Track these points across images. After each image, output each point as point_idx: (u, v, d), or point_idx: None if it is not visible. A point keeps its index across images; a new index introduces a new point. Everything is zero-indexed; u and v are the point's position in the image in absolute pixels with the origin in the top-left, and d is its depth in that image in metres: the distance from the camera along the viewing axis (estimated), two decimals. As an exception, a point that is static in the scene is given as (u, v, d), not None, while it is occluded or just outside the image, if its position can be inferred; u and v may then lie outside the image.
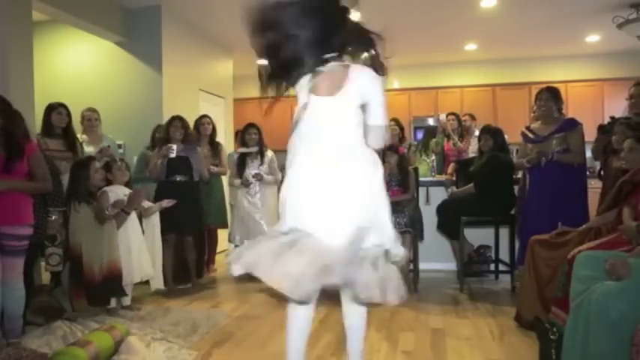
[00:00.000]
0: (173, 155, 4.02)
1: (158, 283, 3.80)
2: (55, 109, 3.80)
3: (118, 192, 3.54)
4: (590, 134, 3.60)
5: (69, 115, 3.85)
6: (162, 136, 4.20)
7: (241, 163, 4.47)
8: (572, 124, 3.48)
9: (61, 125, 3.81)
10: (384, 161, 4.17)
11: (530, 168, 3.61)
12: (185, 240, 4.14)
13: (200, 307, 3.64)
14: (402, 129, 5.28)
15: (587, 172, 3.82)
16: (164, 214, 3.85)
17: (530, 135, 3.62)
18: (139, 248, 3.56)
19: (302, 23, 1.71)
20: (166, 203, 3.77)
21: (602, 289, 1.93)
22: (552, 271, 2.66)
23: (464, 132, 5.33)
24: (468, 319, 3.28)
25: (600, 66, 7.15)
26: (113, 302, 3.44)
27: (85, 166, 3.45)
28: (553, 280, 2.61)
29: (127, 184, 3.68)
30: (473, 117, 5.49)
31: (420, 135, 7.01)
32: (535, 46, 6.79)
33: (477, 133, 5.01)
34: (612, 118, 3.41)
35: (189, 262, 4.19)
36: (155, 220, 3.83)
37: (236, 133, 5.48)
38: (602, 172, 3.39)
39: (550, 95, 3.53)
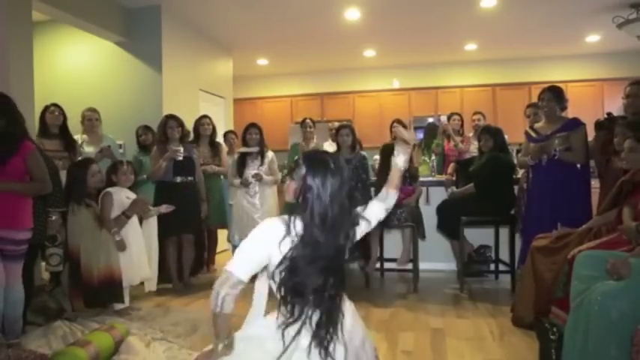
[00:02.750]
0: (181, 158, 4.02)
1: (152, 285, 3.79)
2: (47, 109, 3.86)
3: (121, 194, 3.52)
4: (590, 134, 3.60)
5: (63, 114, 3.86)
6: (159, 138, 4.19)
7: (241, 162, 4.47)
8: (575, 124, 3.48)
9: (56, 124, 3.83)
10: (384, 159, 4.16)
11: (532, 167, 3.61)
12: (184, 238, 4.16)
13: (200, 307, 3.64)
14: (405, 129, 5.27)
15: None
16: (164, 216, 3.85)
17: (533, 134, 3.62)
18: (138, 250, 3.55)
19: None
20: (165, 209, 3.74)
21: (602, 288, 1.93)
22: (555, 275, 2.63)
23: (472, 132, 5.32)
24: (468, 319, 3.28)
25: (600, 66, 7.16)
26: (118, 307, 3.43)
27: (83, 167, 3.43)
28: (556, 284, 2.59)
29: (131, 188, 3.67)
30: (484, 115, 5.48)
31: (419, 135, 7.00)
32: (535, 46, 6.80)
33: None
34: (609, 114, 3.41)
35: (185, 261, 4.20)
36: (153, 222, 3.81)
37: (225, 135, 5.47)
38: (601, 172, 3.39)
39: (552, 95, 3.52)
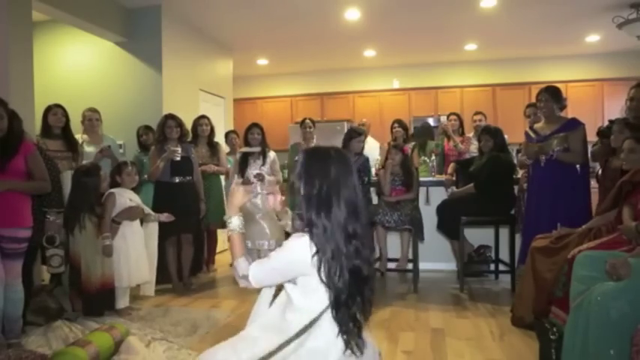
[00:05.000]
0: (178, 158, 4.02)
1: (150, 290, 3.78)
2: (50, 110, 3.83)
3: (125, 195, 3.51)
4: (589, 134, 3.60)
5: (65, 115, 3.85)
6: (157, 137, 4.18)
7: (243, 162, 4.47)
8: (574, 125, 3.48)
9: (59, 125, 3.81)
10: (387, 159, 4.20)
11: (532, 167, 3.61)
12: (183, 238, 4.15)
13: (200, 307, 3.64)
14: (406, 130, 5.29)
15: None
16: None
17: (533, 134, 3.63)
18: (138, 253, 3.54)
19: None
20: (165, 218, 3.72)
21: (602, 289, 1.93)
22: (555, 275, 2.63)
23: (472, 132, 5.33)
24: (468, 319, 3.28)
25: (600, 66, 7.15)
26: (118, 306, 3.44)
27: (95, 176, 3.40)
28: (556, 284, 2.59)
29: (135, 189, 3.66)
30: (485, 116, 5.49)
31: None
32: (535, 46, 6.80)
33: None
34: (611, 121, 3.41)
35: (184, 261, 4.20)
36: (153, 226, 3.79)
37: (226, 135, 5.49)
38: (598, 174, 3.39)
39: (549, 95, 3.52)
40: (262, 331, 1.55)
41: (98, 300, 3.29)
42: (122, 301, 3.47)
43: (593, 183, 3.62)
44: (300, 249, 1.46)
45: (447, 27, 5.97)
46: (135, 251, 3.50)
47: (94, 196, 3.38)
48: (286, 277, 1.51)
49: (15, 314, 2.69)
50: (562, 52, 7.11)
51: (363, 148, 4.32)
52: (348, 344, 1.45)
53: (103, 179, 3.45)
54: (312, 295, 1.47)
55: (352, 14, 5.44)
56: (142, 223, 3.69)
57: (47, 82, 5.06)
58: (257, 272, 1.52)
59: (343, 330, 1.45)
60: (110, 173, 3.63)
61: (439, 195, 4.47)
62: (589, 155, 3.65)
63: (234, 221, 1.64)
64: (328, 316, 1.46)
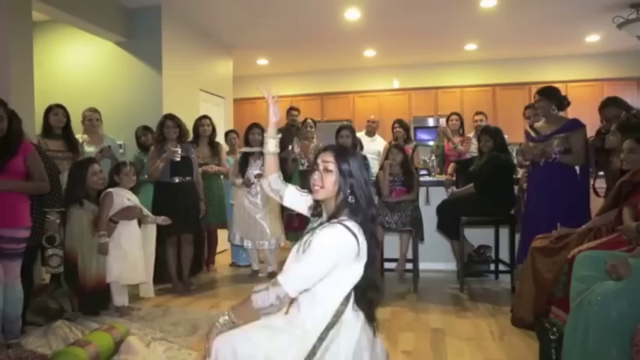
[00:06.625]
0: (178, 159, 4.02)
1: (149, 291, 3.78)
2: (51, 110, 3.83)
3: (123, 195, 3.50)
4: (589, 134, 3.60)
5: (66, 115, 3.85)
6: (157, 137, 4.17)
7: (244, 162, 4.48)
8: (575, 126, 3.47)
9: (59, 125, 3.82)
10: (386, 159, 4.20)
11: (531, 166, 3.61)
12: (183, 238, 4.15)
13: (200, 307, 3.64)
14: (407, 129, 5.30)
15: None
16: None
17: (533, 134, 3.62)
18: (135, 254, 3.52)
19: None
20: (162, 221, 3.70)
21: (602, 289, 1.94)
22: (555, 275, 2.63)
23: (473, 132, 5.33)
24: (468, 319, 3.28)
25: (600, 66, 7.16)
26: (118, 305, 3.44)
27: (83, 167, 3.42)
28: (556, 284, 2.59)
29: (134, 188, 3.67)
30: (486, 116, 5.49)
31: (420, 135, 7.06)
32: (535, 46, 6.80)
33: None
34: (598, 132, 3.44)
35: (184, 261, 4.20)
36: (152, 227, 3.78)
37: (226, 134, 5.50)
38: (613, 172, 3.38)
39: (542, 96, 3.53)
40: (282, 322, 1.58)
41: (93, 298, 3.29)
42: (119, 298, 3.43)
43: (597, 183, 3.61)
44: (346, 236, 1.49)
45: (447, 27, 5.97)
46: (131, 251, 3.48)
47: (79, 186, 3.36)
48: (328, 269, 1.50)
49: (14, 315, 2.69)
50: (562, 52, 7.11)
51: (353, 142, 4.33)
52: (373, 329, 1.59)
53: (93, 173, 3.41)
54: (335, 286, 1.53)
55: (352, 14, 5.44)
56: (139, 224, 3.68)
57: (47, 82, 5.06)
58: (297, 275, 1.50)
59: (367, 314, 1.58)
60: (109, 173, 3.62)
61: (439, 195, 4.47)
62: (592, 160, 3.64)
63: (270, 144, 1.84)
64: (349, 310, 1.54)
